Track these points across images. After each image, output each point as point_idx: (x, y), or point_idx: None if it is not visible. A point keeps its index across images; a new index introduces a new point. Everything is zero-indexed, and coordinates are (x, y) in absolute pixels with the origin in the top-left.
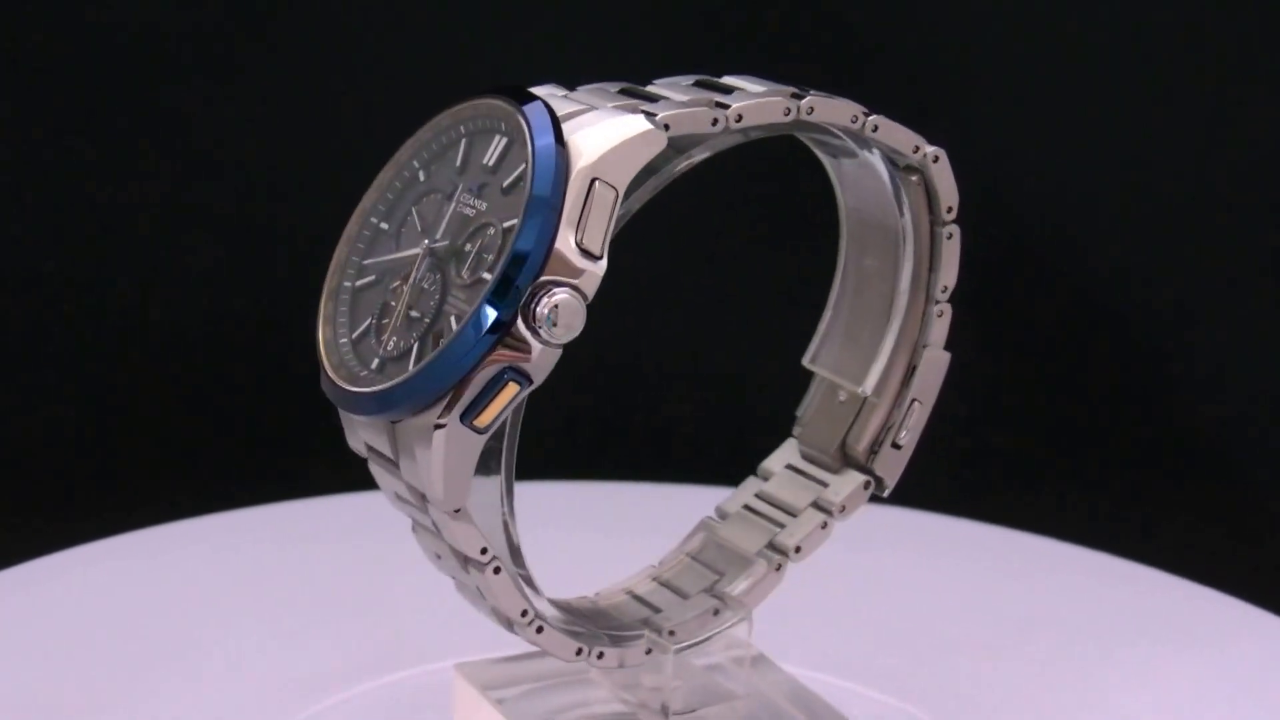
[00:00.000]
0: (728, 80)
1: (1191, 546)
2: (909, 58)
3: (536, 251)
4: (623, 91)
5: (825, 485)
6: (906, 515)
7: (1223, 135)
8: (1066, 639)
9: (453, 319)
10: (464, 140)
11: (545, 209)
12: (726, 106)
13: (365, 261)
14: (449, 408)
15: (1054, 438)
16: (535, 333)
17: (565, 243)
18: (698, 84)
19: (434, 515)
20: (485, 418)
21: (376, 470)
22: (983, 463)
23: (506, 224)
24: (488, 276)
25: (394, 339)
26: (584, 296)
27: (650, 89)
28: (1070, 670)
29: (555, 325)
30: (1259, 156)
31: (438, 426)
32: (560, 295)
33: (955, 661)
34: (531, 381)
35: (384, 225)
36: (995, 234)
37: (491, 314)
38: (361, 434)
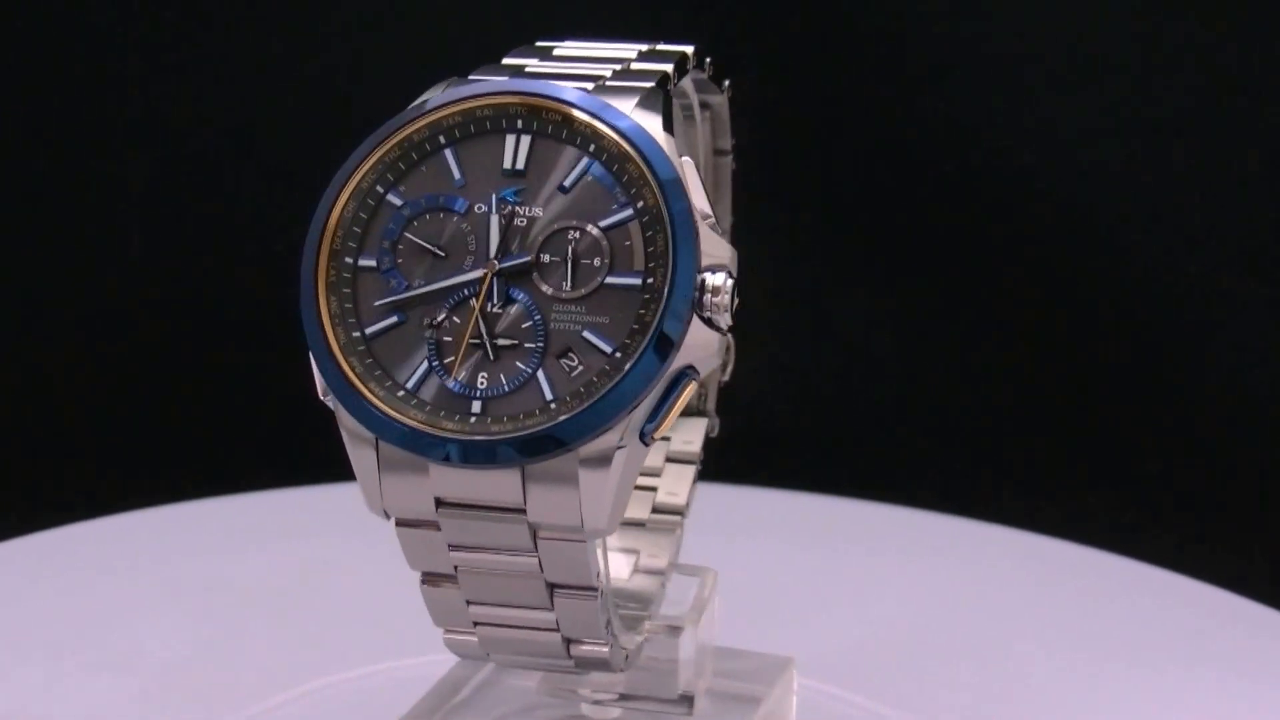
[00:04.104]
0: (583, 44)
1: (1202, 545)
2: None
3: (694, 235)
4: (530, 74)
5: (666, 439)
6: (905, 514)
7: (1248, 106)
8: (1070, 646)
9: (586, 334)
10: (447, 150)
11: (680, 192)
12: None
13: (375, 303)
14: (629, 424)
15: (1060, 433)
16: (710, 322)
17: (700, 224)
18: (580, 54)
19: (550, 551)
20: (665, 425)
21: (446, 524)
22: (988, 459)
23: (604, 223)
24: (619, 280)
25: (483, 374)
26: (733, 276)
27: (562, 66)
28: (1070, 677)
29: (725, 311)
30: None
31: (619, 448)
32: (725, 279)
33: (953, 668)
34: (699, 375)
35: (365, 261)
36: (1008, 221)
37: (686, 305)
38: (436, 488)
